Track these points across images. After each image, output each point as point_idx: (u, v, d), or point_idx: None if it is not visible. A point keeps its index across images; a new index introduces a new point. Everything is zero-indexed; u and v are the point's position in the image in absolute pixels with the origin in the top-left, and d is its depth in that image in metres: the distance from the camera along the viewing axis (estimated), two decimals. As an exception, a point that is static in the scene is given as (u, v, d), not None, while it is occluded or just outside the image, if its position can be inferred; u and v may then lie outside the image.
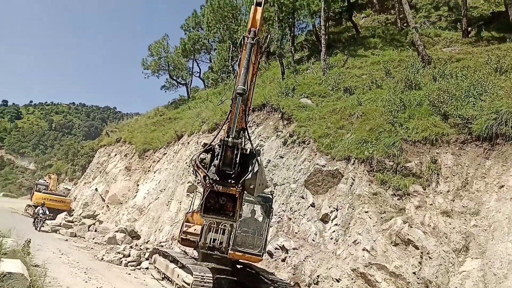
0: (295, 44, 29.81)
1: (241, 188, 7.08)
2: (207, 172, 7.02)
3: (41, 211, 21.49)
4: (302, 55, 28.15)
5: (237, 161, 6.98)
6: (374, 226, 11.15)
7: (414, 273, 9.76)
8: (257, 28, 7.78)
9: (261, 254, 10.64)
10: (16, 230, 11.91)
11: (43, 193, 29.42)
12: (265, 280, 11.00)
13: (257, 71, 9.40)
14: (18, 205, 33.26)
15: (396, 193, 11.48)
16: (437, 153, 11.84)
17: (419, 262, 9.83)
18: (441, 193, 11.05)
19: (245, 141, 7.33)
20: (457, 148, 11.72)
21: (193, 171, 7.67)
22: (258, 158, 7.27)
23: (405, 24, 24.28)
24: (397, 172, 11.90)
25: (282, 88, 19.69)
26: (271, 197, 11.31)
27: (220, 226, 11.05)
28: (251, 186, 7.21)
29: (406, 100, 14.14)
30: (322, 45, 21.82)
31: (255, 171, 7.12)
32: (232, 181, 7.01)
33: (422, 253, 9.90)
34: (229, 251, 10.64)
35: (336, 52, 23.96)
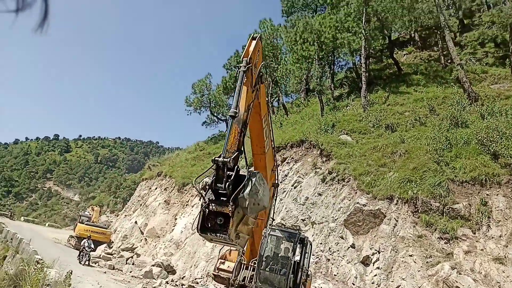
0: (334, 81, 29.93)
1: (233, 206, 7.15)
2: (205, 194, 7.26)
3: (86, 244, 20.83)
4: (341, 92, 28.12)
5: (228, 180, 7.21)
6: (419, 271, 10.47)
7: (466, 325, 8.97)
8: (248, 57, 8.31)
9: None
10: (59, 261, 12.25)
11: (86, 224, 30.28)
12: None
13: (268, 109, 10.09)
14: (61, 235, 34.36)
15: (443, 236, 10.80)
16: (487, 194, 11.15)
17: (471, 314, 9.05)
18: (492, 237, 10.28)
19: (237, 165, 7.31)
20: (509, 189, 10.99)
21: (198, 194, 8.10)
22: (253, 178, 7.39)
23: (449, 61, 23.81)
24: (444, 214, 11.26)
25: (322, 124, 19.62)
26: (297, 233, 10.60)
27: (250, 263, 10.72)
28: (245, 205, 7.26)
29: (452, 138, 13.60)
30: (363, 82, 21.74)
31: (247, 191, 7.16)
32: (227, 200, 7.14)
33: (474, 303, 9.13)
34: None
35: (377, 89, 23.74)
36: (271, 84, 35.31)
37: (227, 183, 7.39)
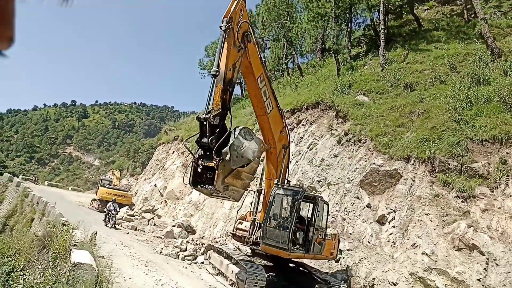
0: (351, 40, 29.05)
1: (218, 159, 7.96)
2: (195, 152, 8.32)
3: (112, 207, 21.02)
4: (359, 51, 27.36)
5: (212, 135, 8.06)
6: (435, 229, 10.56)
7: (479, 279, 9.12)
8: (228, 17, 8.87)
9: (287, 248, 10.12)
10: (83, 223, 12.77)
11: (107, 188, 31.21)
12: (318, 279, 10.85)
13: (264, 69, 10.55)
14: (84, 199, 35.63)
15: (460, 195, 10.76)
16: (507, 153, 10.95)
17: (485, 269, 9.16)
18: (510, 195, 10.20)
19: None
20: (531, 148, 10.76)
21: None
22: (236, 132, 8.25)
23: (472, 15, 22.74)
24: (462, 173, 11.16)
25: (338, 85, 19.29)
26: (300, 191, 10.75)
27: (257, 221, 11.15)
28: (227, 158, 8.00)
29: (473, 96, 13.22)
30: (381, 40, 21.07)
31: (229, 144, 7.99)
32: (213, 155, 8.02)
33: (488, 259, 9.23)
34: (261, 244, 10.57)
35: (396, 47, 22.99)
36: (285, 44, 34.55)
37: (210, 138, 8.18)
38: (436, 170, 11.57)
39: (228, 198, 9.13)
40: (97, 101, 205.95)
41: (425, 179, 11.75)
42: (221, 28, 8.88)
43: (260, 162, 9.79)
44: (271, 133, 11.02)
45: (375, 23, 27.47)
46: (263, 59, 10.94)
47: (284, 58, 36.53)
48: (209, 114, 8.33)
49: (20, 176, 48.07)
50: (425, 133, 12.69)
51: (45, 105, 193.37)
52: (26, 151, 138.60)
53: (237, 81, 9.40)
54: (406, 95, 16.23)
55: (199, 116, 8.62)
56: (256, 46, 10.01)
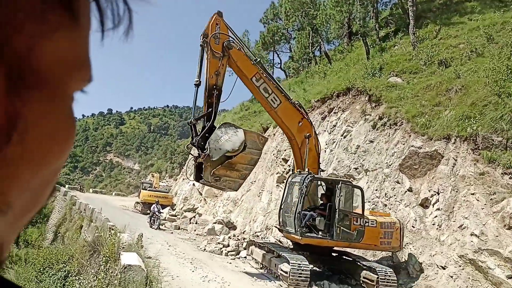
0: (379, 21, 28.18)
1: (204, 154, 9.42)
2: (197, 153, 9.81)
3: (156, 209, 21.23)
4: (387, 32, 26.49)
5: (196, 134, 9.73)
6: (482, 209, 10.13)
7: (537, 260, 8.67)
8: (203, 34, 10.37)
9: (297, 233, 10.44)
10: (129, 226, 13.26)
11: (149, 190, 32.12)
12: (363, 266, 10.72)
13: (259, 68, 11.20)
14: (128, 203, 36.87)
15: (507, 171, 10.23)
16: (556, 123, 10.31)
17: (542, 248, 8.71)
18: None
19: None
20: None
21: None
22: (217, 129, 9.67)
23: (506, -19, 21.44)
24: (508, 149, 10.61)
25: (368, 68, 18.79)
26: (305, 176, 10.93)
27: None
28: (207, 151, 9.39)
29: (513, 66, 12.50)
30: (410, 18, 20.28)
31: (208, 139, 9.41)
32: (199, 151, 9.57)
33: (544, 237, 8.76)
34: (283, 232, 11.40)
35: (426, 23, 22.07)
36: (311, 33, 34.07)
37: (195, 137, 9.83)
38: (480, 148, 11.06)
39: (224, 188, 10.56)
40: (132, 108, 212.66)
41: (468, 157, 11.27)
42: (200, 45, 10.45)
43: (265, 153, 12.35)
44: (285, 125, 11.67)
45: (403, 0, 26.49)
46: (259, 59, 11.94)
47: (310, 46, 36.05)
48: (195, 119, 10.26)
49: (67, 186, 50.42)
50: (465, 110, 12.15)
51: (83, 115, 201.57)
52: (70, 161, 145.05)
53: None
54: (442, 72, 15.59)
55: (188, 121, 10.34)
56: (242, 50, 11.00)
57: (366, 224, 10.94)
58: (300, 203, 10.63)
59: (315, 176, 11.35)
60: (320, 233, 10.75)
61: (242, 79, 11.07)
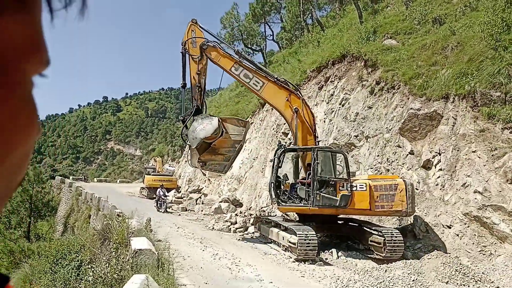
0: (368, -17, 27.51)
1: (188, 144, 11.25)
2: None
3: (161, 193, 21.35)
4: (378, -7, 25.92)
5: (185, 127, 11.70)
6: (484, 165, 10.17)
7: (541, 211, 8.76)
8: (183, 42, 12.09)
9: (275, 203, 11.75)
10: (137, 211, 13.37)
11: (152, 175, 32.29)
12: (370, 230, 10.87)
13: (237, 59, 12.44)
14: (133, 189, 37.14)
15: (507, 126, 10.20)
16: (555, 73, 10.19)
17: (545, 199, 8.78)
18: None
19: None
20: None
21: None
22: (194, 121, 11.17)
23: None
24: (507, 103, 10.54)
25: (362, 33, 18.46)
26: (280, 147, 11.67)
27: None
28: (188, 140, 11.40)
29: (509, 19, 12.22)
30: (400, -23, 19.80)
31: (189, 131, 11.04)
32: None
33: (548, 188, 8.82)
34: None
35: (417, -19, 21.54)
36: (301, 0, 33.35)
37: (183, 131, 11.67)
38: (478, 104, 11.00)
39: (212, 170, 12.70)
40: (127, 93, 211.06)
41: (467, 115, 11.22)
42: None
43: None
44: (272, 104, 12.62)
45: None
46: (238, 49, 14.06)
47: (301, 14, 35.36)
48: (181, 115, 12.54)
49: (71, 177, 50.73)
50: (462, 67, 12.01)
51: (79, 105, 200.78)
52: (71, 152, 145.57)
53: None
54: (436, 30, 15.32)
55: (179, 118, 12.22)
56: (217, 47, 12.40)
57: (354, 188, 10.80)
58: (272, 174, 11.50)
59: (287, 148, 11.98)
60: (302, 201, 11.21)
61: (225, 71, 12.35)
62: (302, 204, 11.20)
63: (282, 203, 11.44)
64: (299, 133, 11.78)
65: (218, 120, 11.38)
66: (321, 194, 10.84)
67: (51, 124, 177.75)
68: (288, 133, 20.24)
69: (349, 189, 10.79)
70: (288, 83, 12.42)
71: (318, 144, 11.90)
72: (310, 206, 10.95)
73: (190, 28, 12.30)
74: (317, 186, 10.88)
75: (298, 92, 12.33)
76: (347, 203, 10.72)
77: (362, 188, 10.73)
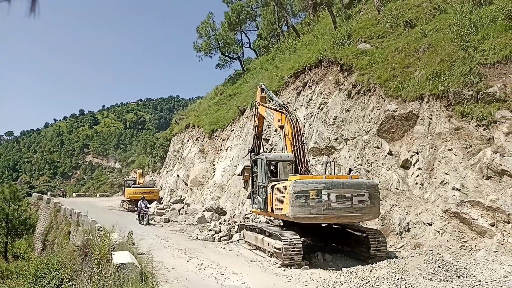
0: (341, -11, 28.04)
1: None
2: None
3: (143, 205, 21.00)
4: (351, -1, 26.46)
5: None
6: (461, 162, 10.44)
7: (516, 204, 9.02)
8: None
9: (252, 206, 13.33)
10: (118, 225, 13.10)
11: (133, 187, 31.76)
12: (354, 232, 10.97)
13: (269, 104, 14.15)
14: (113, 202, 36.38)
15: (481, 123, 10.52)
16: (523, 70, 10.58)
17: (519, 192, 9.06)
18: (534, 113, 9.93)
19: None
20: (546, 60, 10.36)
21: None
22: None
23: None
24: (479, 101, 10.88)
25: (336, 38, 18.77)
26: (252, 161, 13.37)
27: None
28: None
29: (476, 19, 12.69)
30: (371, -17, 20.28)
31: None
32: None
33: (521, 182, 9.10)
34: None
35: (388, -14, 22.09)
36: (276, 8, 33.70)
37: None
38: (452, 103, 11.31)
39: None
40: (104, 106, 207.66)
41: (442, 114, 11.52)
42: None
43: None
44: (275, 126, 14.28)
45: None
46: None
47: (277, 22, 35.75)
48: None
49: (49, 193, 49.37)
50: (435, 67, 12.35)
51: (55, 120, 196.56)
52: (48, 168, 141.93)
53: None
54: (408, 33, 15.73)
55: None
56: (263, 101, 14.60)
57: (269, 192, 11.15)
58: (253, 184, 13.20)
59: (251, 158, 14.10)
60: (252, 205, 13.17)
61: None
62: (253, 208, 13.02)
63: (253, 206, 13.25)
64: (288, 142, 12.21)
65: (243, 167, 14.70)
66: (257, 198, 12.12)
67: (26, 140, 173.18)
68: (268, 139, 20.31)
69: (266, 192, 11.41)
70: (284, 106, 13.10)
71: (303, 149, 11.95)
72: (251, 208, 13.17)
73: (259, 91, 15.02)
74: (253, 191, 12.69)
75: (285, 109, 12.77)
76: (265, 206, 11.39)
77: (270, 191, 11.23)
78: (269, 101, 14.57)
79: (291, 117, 12.28)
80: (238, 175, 14.84)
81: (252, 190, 13.14)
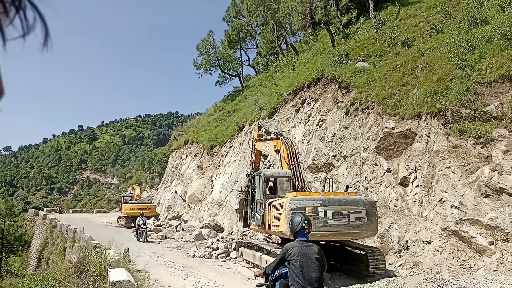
0: (340, 8, 28.52)
1: None
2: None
3: (141, 222, 20.61)
4: (349, 18, 26.89)
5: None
6: (459, 180, 10.44)
7: (514, 222, 8.99)
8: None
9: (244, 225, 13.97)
10: (114, 242, 12.97)
11: (130, 203, 31.52)
12: (351, 249, 10.88)
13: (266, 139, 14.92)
14: (110, 218, 36.08)
15: (478, 141, 10.56)
16: (519, 89, 10.68)
17: (518, 210, 9.03)
18: (531, 132, 9.98)
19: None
20: (542, 79, 10.48)
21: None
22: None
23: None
24: (476, 119, 10.95)
25: (335, 56, 18.99)
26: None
27: None
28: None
29: (473, 39, 12.88)
30: (370, 1, 20.62)
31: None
32: None
33: (519, 200, 9.08)
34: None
35: (386, 6, 22.48)
36: (275, 27, 34.15)
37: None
38: (450, 121, 11.38)
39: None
40: (103, 121, 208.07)
41: (440, 132, 11.57)
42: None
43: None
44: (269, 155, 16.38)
45: (360, -14, 26.86)
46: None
47: (276, 40, 36.17)
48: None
49: (45, 209, 48.96)
50: (432, 86, 12.46)
51: (54, 135, 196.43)
52: (45, 183, 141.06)
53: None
54: (406, 52, 15.94)
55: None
56: (259, 138, 15.16)
57: (267, 209, 11.10)
58: (246, 201, 13.56)
59: (248, 175, 14.07)
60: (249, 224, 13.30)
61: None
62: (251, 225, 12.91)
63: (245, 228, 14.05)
64: (282, 166, 12.69)
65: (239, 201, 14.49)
66: (255, 215, 12.06)
67: (24, 155, 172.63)
68: (267, 156, 20.31)
69: (264, 209, 11.36)
70: (279, 133, 13.86)
71: (300, 168, 12.03)
72: (251, 226, 12.93)
73: (256, 129, 15.72)
74: (251, 208, 12.67)
75: (280, 135, 13.44)
76: (263, 223, 11.30)
77: (267, 208, 11.16)
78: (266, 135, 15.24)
79: (286, 141, 12.74)
80: (236, 210, 14.59)
81: (251, 207, 13.06)
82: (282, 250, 4.78)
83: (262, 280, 5.30)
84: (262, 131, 15.42)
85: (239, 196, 14.07)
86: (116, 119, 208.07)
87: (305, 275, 4.43)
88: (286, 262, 4.64)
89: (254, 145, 15.00)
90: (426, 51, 14.86)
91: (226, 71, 43.56)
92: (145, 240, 20.17)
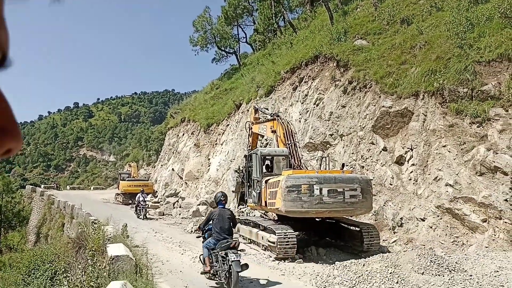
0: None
1: None
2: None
3: (141, 199, 20.55)
4: (348, -5, 26.43)
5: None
6: (454, 159, 10.54)
7: (506, 200, 9.15)
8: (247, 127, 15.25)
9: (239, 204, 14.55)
10: (112, 218, 13.11)
11: (127, 180, 31.62)
12: (346, 226, 11.08)
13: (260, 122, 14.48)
14: (108, 195, 36.23)
15: (475, 120, 10.61)
16: (517, 69, 10.67)
17: (510, 188, 9.17)
18: (527, 111, 10.03)
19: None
20: (540, 59, 10.45)
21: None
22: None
23: None
24: (473, 98, 10.97)
25: (333, 34, 18.77)
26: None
27: None
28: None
29: (473, 17, 12.75)
30: (368, -21, 20.27)
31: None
32: None
33: (512, 178, 9.21)
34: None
35: (385, -17, 22.10)
36: (273, 3, 33.60)
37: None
38: (447, 100, 11.39)
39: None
40: (98, 99, 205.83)
41: (437, 111, 11.60)
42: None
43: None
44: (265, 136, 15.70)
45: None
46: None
47: (273, 17, 35.61)
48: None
49: (42, 186, 49.13)
50: (430, 65, 12.41)
51: (49, 112, 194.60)
52: (42, 160, 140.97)
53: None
54: (405, 30, 15.78)
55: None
56: (256, 120, 14.76)
57: (263, 187, 11.26)
58: (243, 180, 13.70)
59: (245, 154, 14.17)
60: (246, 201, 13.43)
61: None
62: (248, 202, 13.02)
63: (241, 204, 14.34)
64: (279, 146, 12.66)
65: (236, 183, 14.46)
66: (252, 192, 12.19)
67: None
68: (264, 135, 20.32)
69: (260, 187, 11.55)
70: (275, 114, 13.81)
71: (296, 147, 12.12)
72: (248, 203, 13.06)
73: (252, 112, 15.54)
74: (248, 186, 12.80)
75: (276, 116, 13.40)
76: (259, 201, 11.48)
77: (264, 186, 11.36)
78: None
79: (282, 121, 12.74)
80: (233, 191, 14.41)
81: (248, 184, 13.16)
82: (208, 213, 8.42)
83: (200, 234, 8.55)
84: (259, 114, 15.13)
85: (236, 179, 14.00)
86: (111, 97, 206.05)
87: (221, 227, 7.77)
88: (211, 221, 7.96)
89: (251, 128, 14.84)
90: (425, 29, 14.71)
91: (223, 48, 42.97)
92: (145, 216, 20.27)
